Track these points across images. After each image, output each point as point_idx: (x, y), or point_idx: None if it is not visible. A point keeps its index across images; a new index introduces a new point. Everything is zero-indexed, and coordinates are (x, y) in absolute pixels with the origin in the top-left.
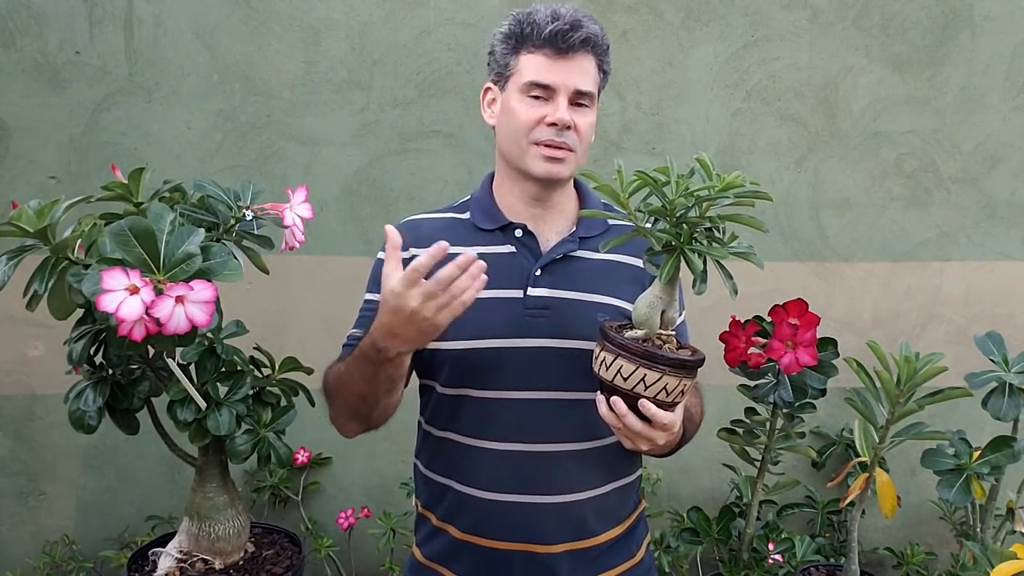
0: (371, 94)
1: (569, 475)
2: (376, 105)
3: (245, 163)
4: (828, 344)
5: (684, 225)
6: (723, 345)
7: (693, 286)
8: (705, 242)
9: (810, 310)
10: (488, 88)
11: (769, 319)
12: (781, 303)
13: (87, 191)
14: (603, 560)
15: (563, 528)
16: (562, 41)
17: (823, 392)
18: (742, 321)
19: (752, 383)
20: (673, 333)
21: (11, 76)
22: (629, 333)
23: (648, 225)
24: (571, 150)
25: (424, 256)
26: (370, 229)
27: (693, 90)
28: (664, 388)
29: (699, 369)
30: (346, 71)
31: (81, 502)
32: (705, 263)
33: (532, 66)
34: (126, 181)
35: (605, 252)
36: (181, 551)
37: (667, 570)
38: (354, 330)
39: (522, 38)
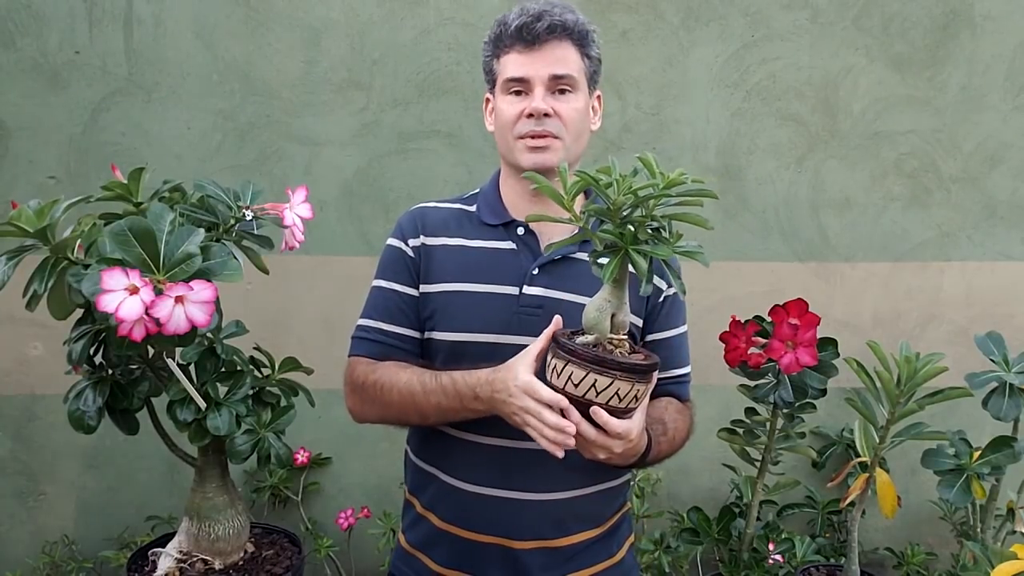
0: (371, 94)
1: (551, 474)
2: (376, 105)
3: (245, 163)
4: (828, 344)
5: (628, 225)
6: (723, 345)
7: (639, 288)
8: (651, 242)
9: (810, 310)
10: (488, 98)
11: (769, 319)
12: (781, 303)
13: (87, 191)
14: (579, 559)
15: (539, 526)
16: (528, 33)
17: (823, 392)
18: (742, 321)
19: (752, 383)
20: (625, 337)
21: (11, 76)
22: (580, 339)
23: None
24: (556, 137)
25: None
26: (370, 229)
27: (693, 90)
28: (616, 394)
29: (653, 373)
30: (346, 71)
31: (81, 502)
32: (651, 263)
33: (505, 67)
34: (126, 181)
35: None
36: (181, 551)
37: (667, 570)
38: (365, 320)
39: (498, 41)
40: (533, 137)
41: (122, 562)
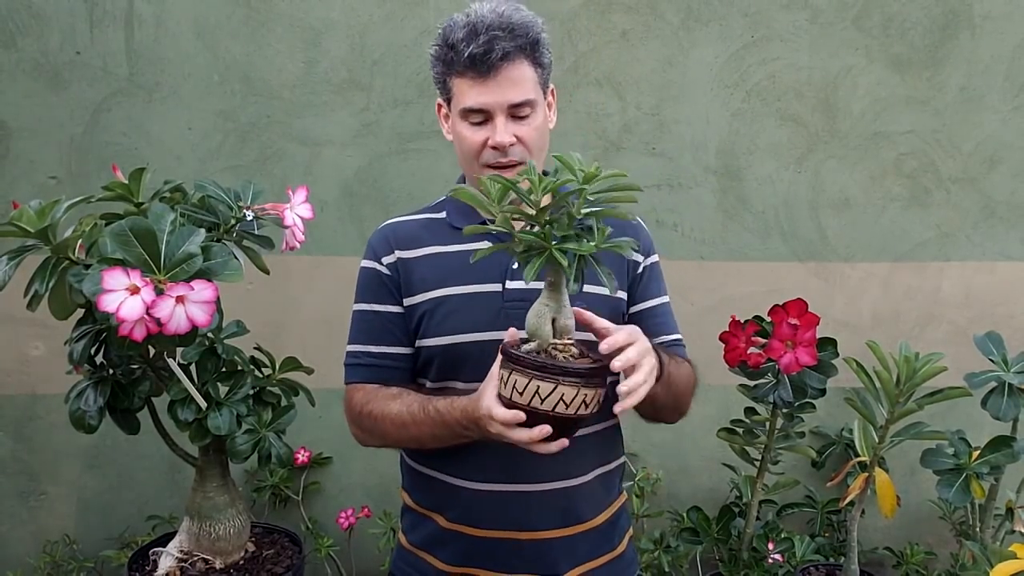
0: (371, 94)
1: (554, 462)
2: (376, 105)
3: (245, 163)
4: (828, 344)
5: (549, 226)
6: (723, 345)
7: (568, 287)
8: (575, 239)
9: (810, 310)
10: (440, 105)
11: (769, 319)
12: (781, 303)
13: (88, 191)
14: (584, 550)
15: (548, 515)
16: (482, 64)
17: (823, 392)
18: (742, 321)
19: (752, 383)
20: (571, 341)
21: (12, 76)
22: (525, 347)
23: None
24: (521, 163)
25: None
26: (370, 229)
27: (693, 90)
28: (561, 399)
29: (600, 378)
30: (346, 71)
31: (82, 502)
32: (579, 261)
33: (463, 91)
34: (127, 181)
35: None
36: (181, 551)
37: (667, 570)
38: (353, 346)
39: (448, 62)
40: (500, 167)
41: (123, 561)
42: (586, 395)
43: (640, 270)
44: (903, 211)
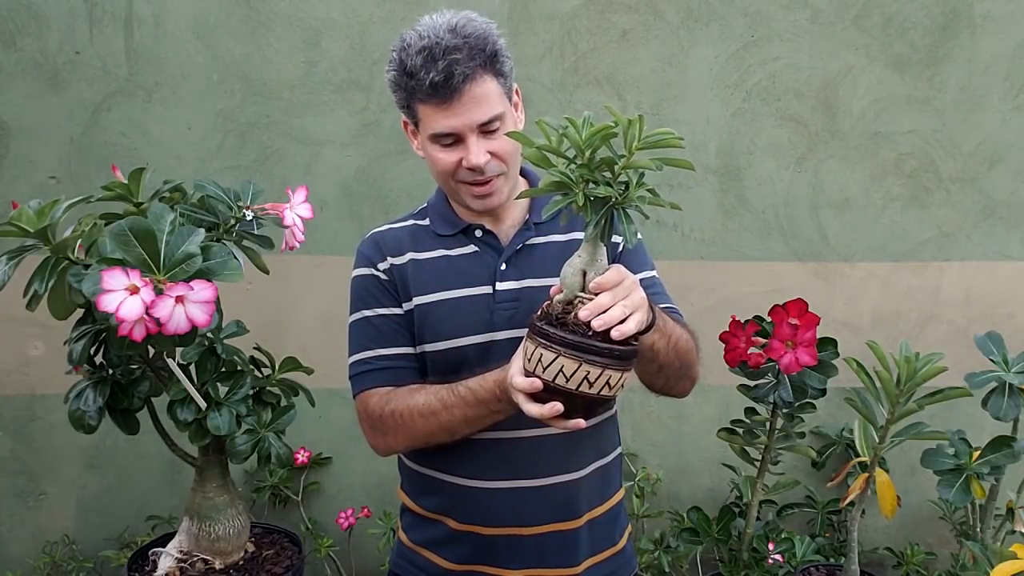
0: (371, 94)
1: (555, 458)
2: (376, 105)
3: (245, 163)
4: (828, 344)
5: (586, 169)
6: (723, 345)
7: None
8: (607, 187)
9: (810, 310)
10: (406, 123)
11: (769, 319)
12: (781, 303)
13: (87, 191)
14: (587, 545)
15: (549, 510)
16: (445, 90)
17: (823, 392)
18: (742, 321)
19: (752, 383)
20: (593, 296)
21: (11, 76)
22: (558, 296)
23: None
24: (500, 174)
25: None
26: (370, 229)
27: (693, 90)
28: (585, 378)
29: (631, 357)
30: (346, 71)
31: (81, 502)
32: (605, 212)
33: (429, 116)
34: (126, 181)
35: (562, 232)
36: (181, 551)
37: (667, 570)
38: (360, 354)
39: (409, 90)
40: (477, 185)
41: (123, 562)
42: (611, 376)
43: (619, 249)
44: (903, 211)
